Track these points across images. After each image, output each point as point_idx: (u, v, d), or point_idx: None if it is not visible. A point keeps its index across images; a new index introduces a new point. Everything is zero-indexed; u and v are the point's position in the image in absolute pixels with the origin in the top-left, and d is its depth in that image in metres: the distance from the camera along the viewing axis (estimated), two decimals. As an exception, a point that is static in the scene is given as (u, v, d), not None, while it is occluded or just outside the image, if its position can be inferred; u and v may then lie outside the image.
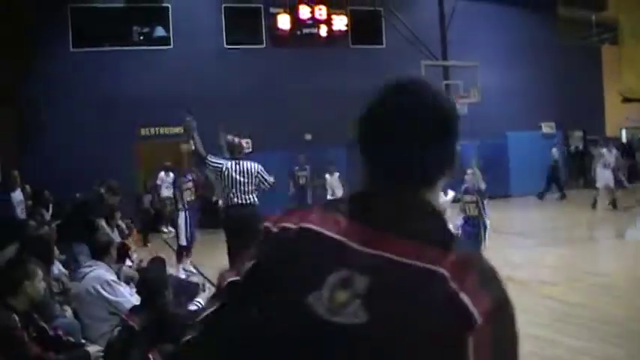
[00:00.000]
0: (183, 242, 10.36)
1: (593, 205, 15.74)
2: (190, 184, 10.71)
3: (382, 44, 20.52)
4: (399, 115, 1.32)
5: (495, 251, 11.23)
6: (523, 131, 20.66)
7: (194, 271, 10.24)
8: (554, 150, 19.63)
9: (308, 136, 18.96)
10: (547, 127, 22.00)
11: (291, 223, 1.37)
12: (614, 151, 16.37)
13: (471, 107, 18.77)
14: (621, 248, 11.39)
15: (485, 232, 8.60)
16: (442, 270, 1.20)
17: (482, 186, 8.54)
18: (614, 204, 15.44)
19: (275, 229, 1.39)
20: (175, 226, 11.02)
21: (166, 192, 16.72)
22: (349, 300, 1.22)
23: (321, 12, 19.75)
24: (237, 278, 1.41)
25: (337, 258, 1.27)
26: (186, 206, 10.47)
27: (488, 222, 8.70)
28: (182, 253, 10.32)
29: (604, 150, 16.10)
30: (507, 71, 21.69)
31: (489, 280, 1.24)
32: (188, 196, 10.56)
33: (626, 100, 19.97)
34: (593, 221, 14.14)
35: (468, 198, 8.60)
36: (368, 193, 1.37)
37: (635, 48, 21.17)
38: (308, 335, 1.24)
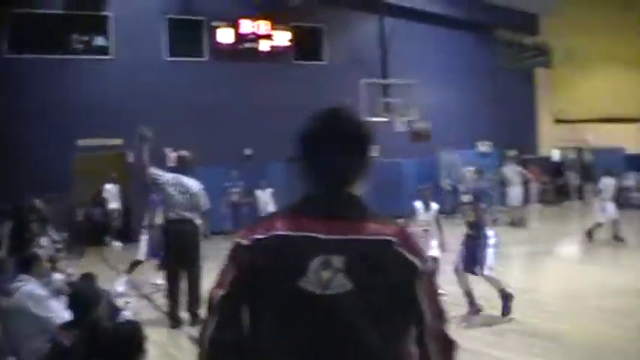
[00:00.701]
0: (141, 257, 10.13)
1: (512, 224, 16.42)
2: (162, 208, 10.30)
3: (323, 61, 20.70)
4: (331, 138, 1.81)
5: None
6: (460, 150, 21.14)
7: (159, 282, 9.72)
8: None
9: (248, 151, 18.92)
10: (483, 146, 22.54)
11: (261, 234, 1.76)
12: (513, 166, 16.97)
13: (410, 125, 19.15)
14: (548, 264, 11.76)
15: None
16: (390, 237, 1.73)
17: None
18: (520, 222, 16.29)
19: (247, 242, 1.77)
20: (133, 240, 10.51)
21: (114, 204, 16.40)
22: (333, 276, 1.67)
23: (264, 27, 19.80)
24: (225, 292, 1.76)
25: (312, 248, 1.70)
26: (154, 225, 9.88)
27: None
28: (136, 266, 10.14)
29: (504, 169, 16.68)
30: (446, 90, 22.19)
31: (418, 241, 1.80)
32: (158, 218, 10.11)
33: (558, 121, 20.69)
34: (518, 238, 14.48)
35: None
36: (315, 194, 1.82)
37: (565, 72, 22.01)
38: (307, 309, 1.68)
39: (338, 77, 19.48)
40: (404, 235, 1.75)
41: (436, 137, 20.72)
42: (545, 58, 23.23)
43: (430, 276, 1.79)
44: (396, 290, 1.69)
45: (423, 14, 21.79)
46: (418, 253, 1.74)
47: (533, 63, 24.46)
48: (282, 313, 1.69)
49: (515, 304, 7.38)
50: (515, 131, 23.79)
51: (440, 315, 1.79)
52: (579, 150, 27.12)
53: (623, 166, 25.32)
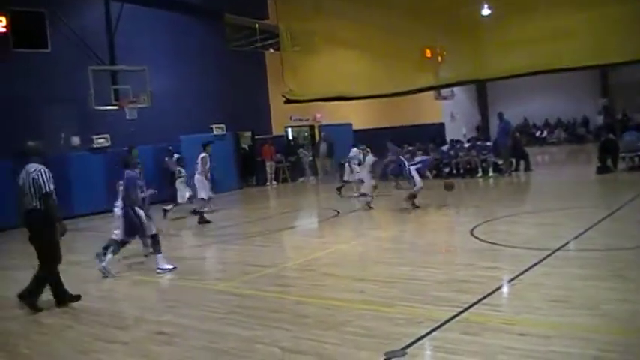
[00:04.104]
0: None
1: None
2: None
3: (47, 48, 19.46)
4: None
5: (172, 251, 11.60)
6: (196, 134, 21.42)
7: None
8: None
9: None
10: (218, 129, 23.09)
11: None
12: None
13: (142, 112, 18.98)
14: (286, 241, 12.36)
15: None
16: None
17: None
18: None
19: None
20: None
21: None
22: None
23: (-24, 11, 18.06)
24: None
25: None
26: None
27: None
28: None
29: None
30: (178, 76, 22.31)
31: None
32: None
33: (288, 101, 21.76)
34: (263, 218, 15.29)
35: None
36: None
37: (293, 54, 23.20)
38: None
39: (64, 65, 18.66)
40: None
41: (170, 123, 20.85)
42: (274, 41, 24.23)
43: None
44: None
45: (150, -2, 21.60)
46: None
47: (263, 46, 25.52)
48: None
49: (255, 280, 7.75)
50: (250, 113, 24.72)
51: None
52: (311, 128, 28.96)
53: (352, 139, 27.71)
